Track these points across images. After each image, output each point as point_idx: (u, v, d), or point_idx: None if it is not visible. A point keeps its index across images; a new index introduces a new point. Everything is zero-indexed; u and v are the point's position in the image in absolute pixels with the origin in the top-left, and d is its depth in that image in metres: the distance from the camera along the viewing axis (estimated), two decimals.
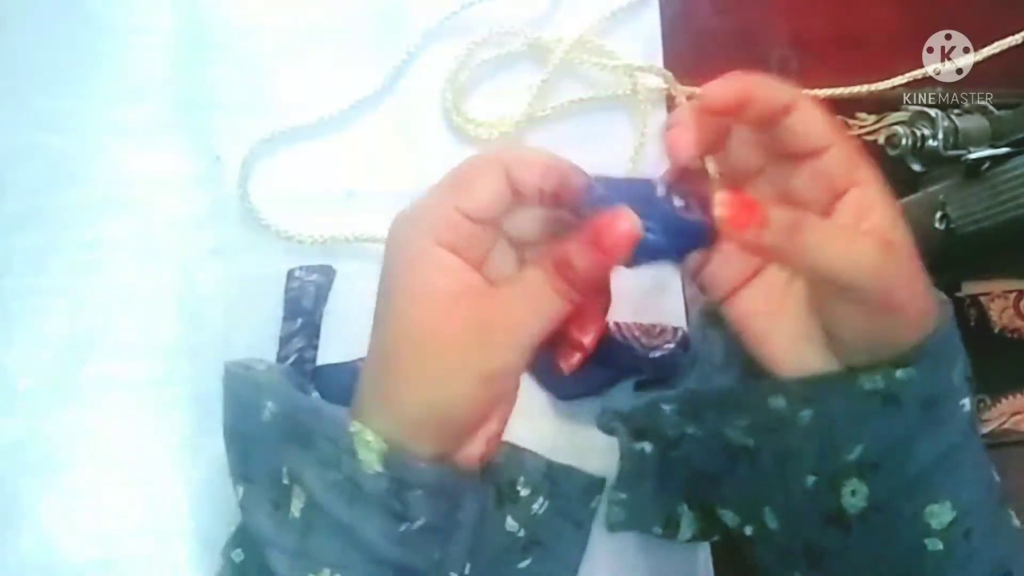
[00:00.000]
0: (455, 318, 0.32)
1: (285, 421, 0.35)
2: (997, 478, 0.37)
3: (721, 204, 0.32)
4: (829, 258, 0.32)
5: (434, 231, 0.32)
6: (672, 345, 0.47)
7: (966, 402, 0.35)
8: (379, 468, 0.31)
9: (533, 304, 0.32)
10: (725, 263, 0.37)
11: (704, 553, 0.50)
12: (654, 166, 0.53)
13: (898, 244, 0.33)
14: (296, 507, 0.33)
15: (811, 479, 0.36)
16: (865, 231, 0.33)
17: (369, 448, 0.31)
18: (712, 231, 0.32)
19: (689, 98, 0.54)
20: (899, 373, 0.33)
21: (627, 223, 0.31)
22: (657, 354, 0.46)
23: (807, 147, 0.34)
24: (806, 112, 0.34)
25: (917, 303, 0.34)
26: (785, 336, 0.36)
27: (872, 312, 0.33)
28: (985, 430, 0.54)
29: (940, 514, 0.34)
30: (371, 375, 0.33)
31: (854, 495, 0.35)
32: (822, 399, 0.35)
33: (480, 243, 0.33)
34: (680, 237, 0.33)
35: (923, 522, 0.34)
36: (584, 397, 0.49)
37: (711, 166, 0.54)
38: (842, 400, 0.34)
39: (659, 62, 0.54)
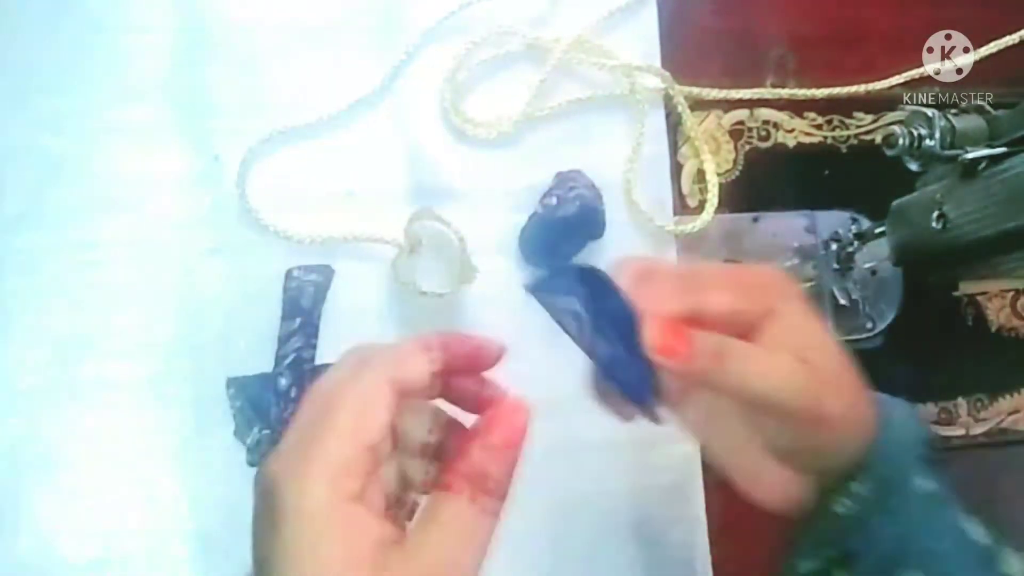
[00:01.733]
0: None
1: None
2: (976, 534, 0.38)
3: (651, 331, 0.32)
4: (752, 382, 0.33)
5: (339, 482, 0.27)
6: None
7: (925, 482, 0.37)
8: None
9: (467, 537, 0.28)
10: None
11: (703, 550, 0.50)
12: (651, 165, 0.53)
13: (818, 362, 0.35)
14: None
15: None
16: (783, 352, 0.34)
17: None
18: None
19: (687, 100, 0.54)
20: (855, 487, 0.36)
21: (523, 412, 0.30)
22: None
23: (718, 321, 0.34)
24: (712, 303, 0.34)
25: (847, 413, 0.36)
26: (729, 442, 0.38)
27: (800, 426, 0.35)
28: (983, 429, 0.55)
29: None
30: None
31: None
32: (808, 527, 0.38)
33: (373, 477, 0.29)
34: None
35: None
36: None
37: (709, 166, 0.54)
38: (821, 523, 0.37)
39: (657, 62, 0.54)
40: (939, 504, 0.37)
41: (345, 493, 0.27)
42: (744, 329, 0.35)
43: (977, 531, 0.37)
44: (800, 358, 0.34)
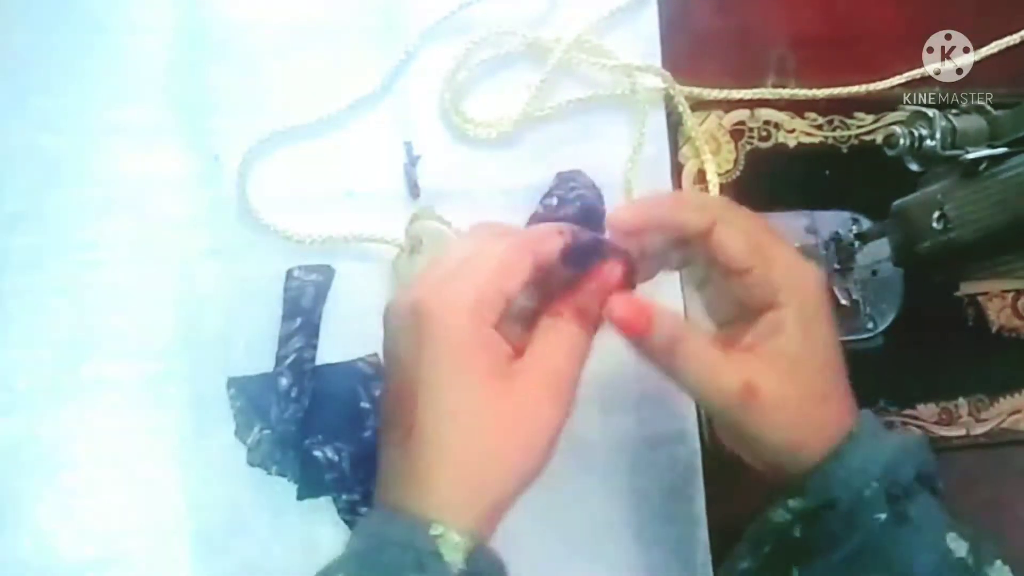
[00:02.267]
0: (518, 388, 0.34)
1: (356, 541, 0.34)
2: (962, 552, 0.37)
3: (615, 306, 0.36)
4: (693, 380, 0.37)
5: (482, 313, 0.34)
6: None
7: (881, 516, 0.36)
8: (463, 566, 0.31)
9: (574, 350, 0.36)
10: None
11: (703, 551, 0.50)
12: (651, 165, 0.53)
13: (769, 390, 0.36)
14: None
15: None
16: (737, 369, 0.36)
17: (455, 548, 0.31)
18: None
19: (688, 101, 0.54)
20: (792, 503, 0.38)
21: (619, 269, 0.37)
22: None
23: (730, 267, 0.37)
24: (726, 234, 0.37)
25: (784, 444, 0.37)
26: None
27: (739, 435, 0.38)
28: (983, 429, 0.55)
29: None
30: (432, 468, 0.32)
31: None
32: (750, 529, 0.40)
33: (503, 314, 0.35)
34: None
35: None
36: None
37: (710, 166, 0.54)
38: (758, 522, 0.39)
39: (657, 62, 0.54)
40: (909, 526, 0.36)
41: (483, 320, 0.34)
42: (748, 303, 0.38)
43: (961, 548, 0.37)
44: (748, 387, 0.36)
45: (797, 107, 0.56)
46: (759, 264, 0.37)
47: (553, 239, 0.36)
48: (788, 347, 0.37)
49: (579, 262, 0.37)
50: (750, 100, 0.55)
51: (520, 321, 0.37)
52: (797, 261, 0.39)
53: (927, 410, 0.54)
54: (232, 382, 0.47)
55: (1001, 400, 0.55)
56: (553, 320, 0.36)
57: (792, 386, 0.37)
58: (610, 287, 0.37)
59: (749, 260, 0.37)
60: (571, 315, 0.36)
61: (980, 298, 0.56)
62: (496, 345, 0.34)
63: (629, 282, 0.38)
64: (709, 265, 0.39)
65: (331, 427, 0.47)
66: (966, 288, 0.56)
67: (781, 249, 0.39)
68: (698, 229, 0.37)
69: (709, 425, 0.50)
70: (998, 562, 0.38)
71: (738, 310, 0.39)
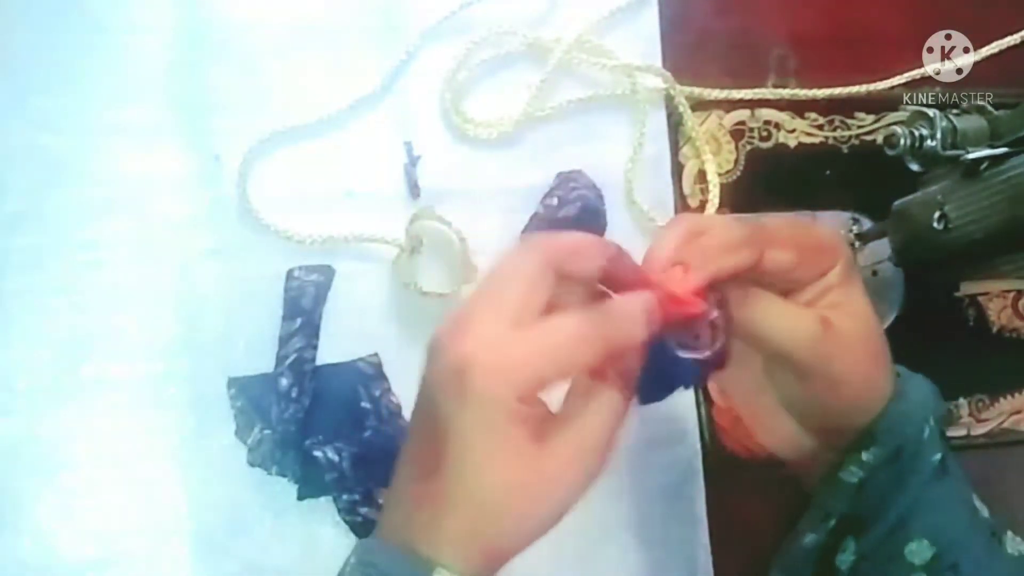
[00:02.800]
0: (548, 453, 0.33)
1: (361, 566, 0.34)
2: (985, 513, 0.40)
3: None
4: (769, 328, 0.36)
5: (532, 392, 0.32)
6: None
7: (936, 457, 0.38)
8: None
9: (616, 419, 0.34)
10: None
11: (703, 551, 0.50)
12: (652, 165, 0.53)
13: (842, 327, 0.37)
14: None
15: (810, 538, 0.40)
16: (807, 310, 0.37)
17: None
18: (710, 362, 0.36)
19: (688, 101, 0.54)
20: (865, 455, 0.38)
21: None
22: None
23: (776, 276, 0.37)
24: (775, 257, 0.36)
25: (860, 382, 0.38)
26: (748, 388, 0.40)
27: (813, 385, 0.37)
28: (984, 429, 0.55)
29: (920, 551, 0.38)
30: (447, 512, 0.32)
31: (844, 551, 0.39)
32: (817, 496, 0.40)
33: None
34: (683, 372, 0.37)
35: (906, 561, 0.38)
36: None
37: (711, 166, 0.54)
38: (830, 490, 0.39)
39: (658, 62, 0.54)
40: (949, 478, 0.38)
41: (532, 398, 0.32)
42: (792, 286, 0.37)
43: (984, 509, 0.39)
44: (824, 319, 0.36)
45: (798, 107, 0.56)
46: (802, 256, 0.37)
47: (638, 327, 0.34)
48: (844, 296, 0.38)
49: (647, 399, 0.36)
50: (750, 100, 0.55)
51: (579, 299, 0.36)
52: (827, 232, 0.40)
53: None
54: (232, 382, 0.47)
55: (1001, 400, 0.55)
56: (596, 384, 0.34)
57: (859, 323, 0.38)
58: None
59: (794, 262, 0.37)
60: (614, 378, 0.34)
61: (980, 298, 0.56)
62: (536, 413, 0.33)
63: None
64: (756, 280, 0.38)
65: (331, 427, 0.47)
66: (966, 288, 0.56)
67: (814, 227, 0.40)
68: (750, 260, 0.36)
69: (710, 425, 0.50)
70: (1009, 532, 0.40)
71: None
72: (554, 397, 0.34)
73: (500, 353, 0.32)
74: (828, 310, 0.37)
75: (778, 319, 0.36)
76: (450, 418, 0.32)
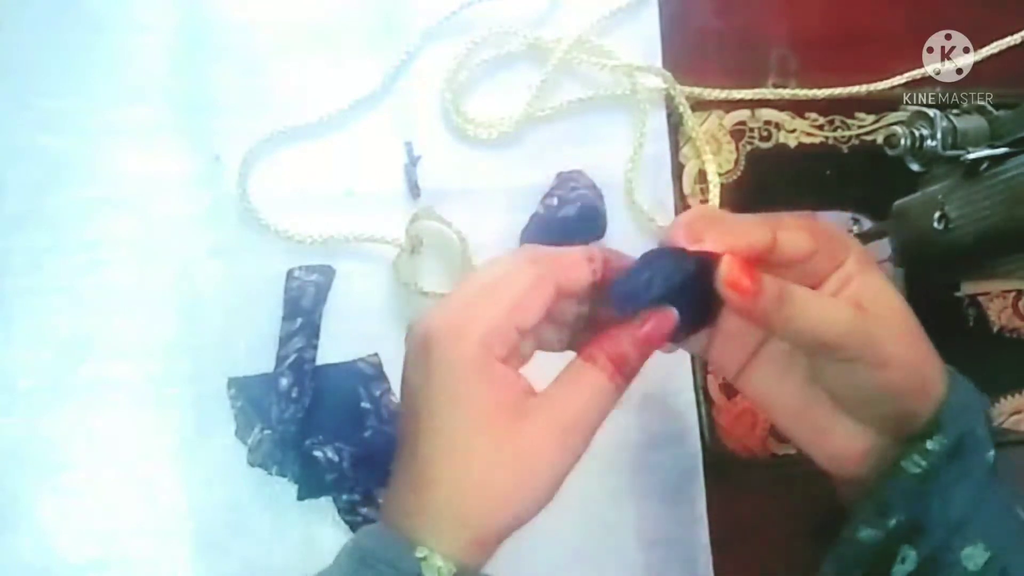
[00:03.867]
0: (526, 428, 0.33)
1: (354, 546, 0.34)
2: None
3: (726, 265, 0.34)
4: (808, 321, 0.35)
5: (490, 346, 0.33)
6: None
7: (991, 454, 0.37)
8: None
9: (598, 402, 0.34)
10: (728, 343, 0.39)
11: (704, 553, 0.50)
12: (652, 165, 0.53)
13: (877, 310, 0.36)
14: None
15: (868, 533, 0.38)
16: (842, 299, 0.36)
17: (437, 573, 0.32)
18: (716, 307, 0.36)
19: (688, 101, 0.54)
20: (930, 444, 0.36)
21: (671, 321, 0.34)
22: None
23: (795, 262, 0.37)
24: (790, 237, 0.36)
25: (908, 355, 0.37)
26: (795, 404, 0.39)
27: (863, 369, 0.36)
28: None
29: (975, 556, 0.36)
30: (426, 491, 0.33)
31: (902, 562, 0.37)
32: (876, 488, 0.38)
33: (516, 345, 0.34)
34: (696, 314, 0.36)
35: (961, 566, 0.36)
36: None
37: (711, 166, 0.54)
38: (891, 482, 0.37)
39: (658, 62, 0.54)
40: (999, 479, 0.38)
41: (494, 353, 0.33)
42: (812, 279, 0.37)
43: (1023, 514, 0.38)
44: (856, 302, 0.36)
45: (798, 107, 0.56)
46: (820, 245, 0.37)
47: (580, 268, 0.35)
48: (866, 283, 0.37)
49: (624, 302, 0.34)
50: (751, 100, 0.55)
51: (580, 329, 0.37)
52: (835, 227, 0.39)
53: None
54: (232, 382, 0.47)
55: (1002, 400, 0.55)
56: (581, 364, 0.34)
57: (890, 303, 0.37)
58: (656, 341, 0.35)
59: (811, 248, 0.37)
60: (604, 362, 0.34)
61: (981, 298, 0.56)
62: (504, 380, 0.33)
63: (682, 332, 0.35)
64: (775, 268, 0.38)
65: (331, 427, 0.47)
66: (967, 288, 0.56)
67: (819, 220, 0.39)
68: (764, 244, 0.35)
69: (710, 425, 0.50)
70: None
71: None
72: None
73: (457, 316, 0.33)
74: (857, 296, 0.37)
75: (814, 310, 0.35)
76: (420, 392, 0.33)
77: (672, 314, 0.34)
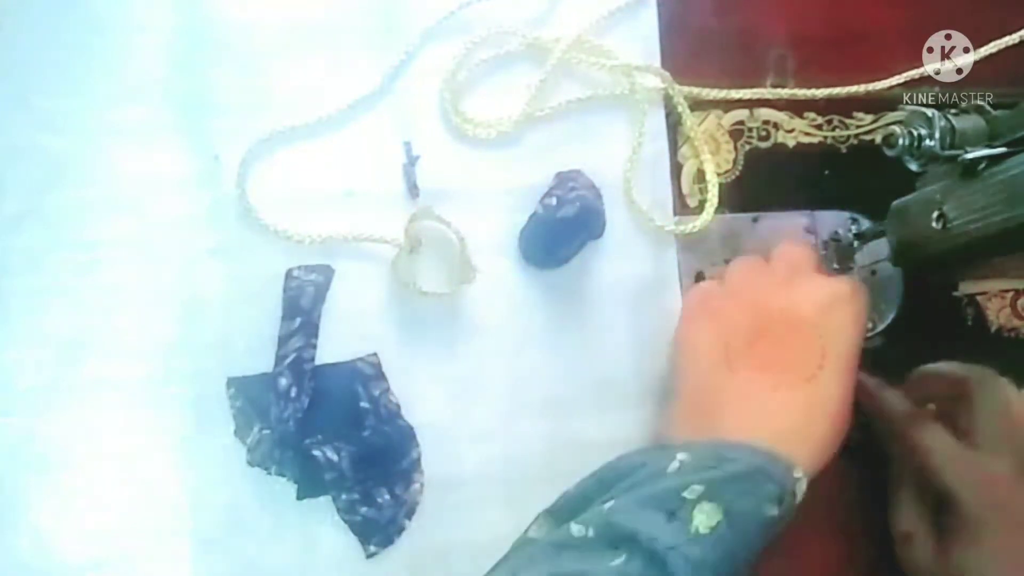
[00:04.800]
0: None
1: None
2: None
3: None
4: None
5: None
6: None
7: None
8: (795, 506, 0.40)
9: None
10: None
11: None
12: (651, 165, 0.53)
13: None
14: (704, 524, 0.37)
15: None
16: None
17: (802, 493, 0.40)
18: None
19: (687, 100, 0.54)
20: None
21: None
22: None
23: None
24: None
25: None
26: None
27: None
28: None
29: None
30: (817, 417, 0.43)
31: None
32: None
33: None
34: None
35: None
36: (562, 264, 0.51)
37: (709, 166, 0.54)
38: None
39: (657, 62, 0.54)
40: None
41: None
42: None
43: None
44: None
45: (796, 107, 0.56)
46: None
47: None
48: None
49: None
50: (749, 100, 0.55)
51: None
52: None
53: (928, 409, 0.54)
54: (232, 382, 0.47)
55: None
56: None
57: None
58: None
59: None
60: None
61: (979, 298, 0.56)
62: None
63: None
64: None
65: (330, 427, 0.47)
66: (965, 288, 0.56)
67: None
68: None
69: None
70: None
71: None
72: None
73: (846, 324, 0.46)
74: None
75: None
76: (844, 342, 0.45)
77: None
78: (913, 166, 0.48)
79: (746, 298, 0.47)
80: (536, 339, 0.50)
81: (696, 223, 0.52)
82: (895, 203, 0.50)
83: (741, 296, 0.48)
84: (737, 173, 0.55)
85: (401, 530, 0.47)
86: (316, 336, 0.48)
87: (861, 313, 0.46)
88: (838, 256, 0.54)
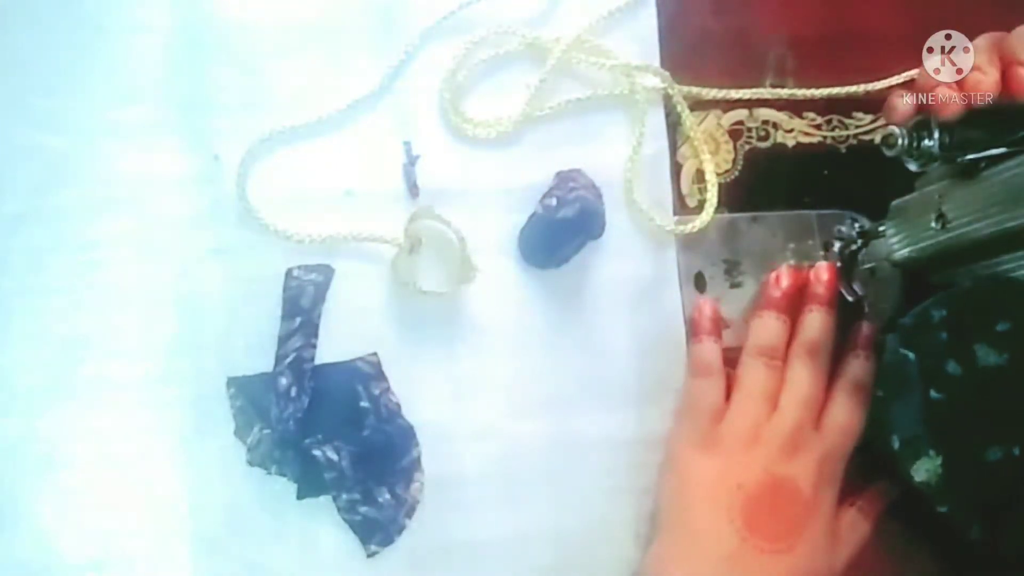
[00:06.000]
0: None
1: None
2: None
3: None
4: None
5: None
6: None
7: None
8: None
9: None
10: None
11: None
12: (651, 165, 0.53)
13: None
14: None
15: None
16: None
17: None
18: None
19: (686, 100, 0.54)
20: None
21: None
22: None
23: None
24: None
25: None
26: None
27: None
28: None
29: None
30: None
31: None
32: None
33: None
34: None
35: None
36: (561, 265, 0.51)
37: (709, 166, 0.54)
38: None
39: (656, 61, 0.54)
40: None
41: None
42: None
43: None
44: None
45: (796, 107, 0.56)
46: None
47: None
48: None
49: None
50: (749, 100, 0.55)
51: None
52: None
53: None
54: (232, 382, 0.47)
55: None
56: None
57: None
58: None
59: None
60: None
61: None
62: None
63: None
64: None
65: (330, 426, 0.47)
66: None
67: None
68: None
69: None
70: None
71: None
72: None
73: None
74: None
75: None
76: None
77: None
78: (912, 166, 0.48)
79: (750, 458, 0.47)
80: (536, 339, 0.50)
81: (696, 223, 0.52)
82: (895, 203, 0.50)
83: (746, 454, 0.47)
84: (736, 173, 0.55)
85: (401, 529, 0.47)
86: (316, 336, 0.48)
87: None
88: (838, 256, 0.54)
